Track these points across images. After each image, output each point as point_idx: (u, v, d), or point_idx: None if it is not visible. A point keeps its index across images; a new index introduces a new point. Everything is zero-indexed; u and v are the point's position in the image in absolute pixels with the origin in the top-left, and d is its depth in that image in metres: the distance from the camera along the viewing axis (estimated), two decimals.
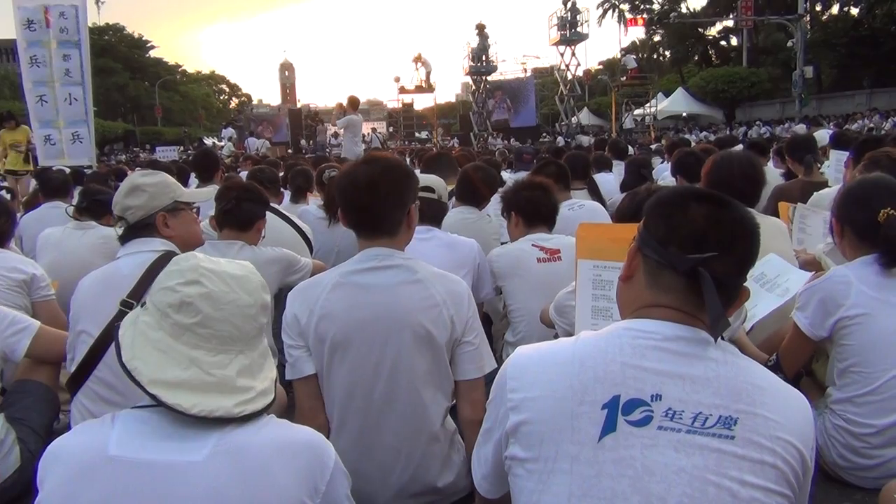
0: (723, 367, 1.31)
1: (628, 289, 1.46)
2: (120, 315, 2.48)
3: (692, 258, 1.31)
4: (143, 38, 67.79)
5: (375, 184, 2.18)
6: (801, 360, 2.74)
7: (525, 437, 1.33)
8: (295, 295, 2.26)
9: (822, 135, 8.52)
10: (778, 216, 3.93)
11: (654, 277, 1.39)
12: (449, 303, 2.22)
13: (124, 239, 2.72)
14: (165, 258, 2.49)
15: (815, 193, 4.48)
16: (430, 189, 3.49)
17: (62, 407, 2.87)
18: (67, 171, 6.84)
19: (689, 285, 1.33)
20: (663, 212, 1.40)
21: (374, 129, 33.00)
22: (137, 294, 2.49)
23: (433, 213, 3.45)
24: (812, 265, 3.47)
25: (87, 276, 2.69)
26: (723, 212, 1.36)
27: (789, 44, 33.22)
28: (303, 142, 27.56)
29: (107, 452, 1.32)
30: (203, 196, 3.08)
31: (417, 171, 8.00)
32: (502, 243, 4.14)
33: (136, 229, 2.71)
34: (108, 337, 2.49)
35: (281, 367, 3.17)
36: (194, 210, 2.92)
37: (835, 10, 39.80)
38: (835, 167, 5.54)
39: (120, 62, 59.25)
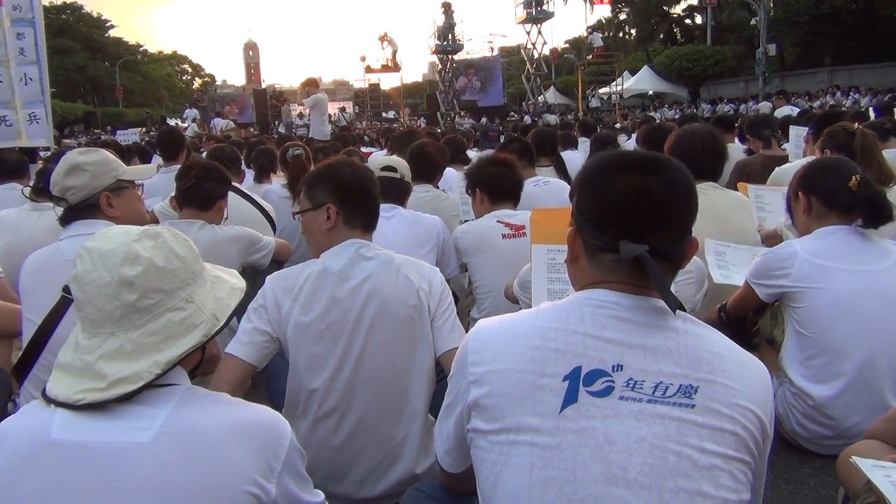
0: (683, 336, 1.31)
1: (575, 269, 1.45)
2: (62, 301, 2.42)
3: (630, 251, 1.28)
4: (102, 18, 66.39)
5: (377, 184, 2.42)
6: (744, 310, 2.92)
7: (487, 411, 1.32)
8: (276, 280, 2.26)
9: (783, 112, 8.63)
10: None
11: (595, 259, 1.37)
12: (424, 285, 2.30)
13: (65, 220, 2.64)
14: None
15: (776, 168, 4.54)
16: (392, 168, 3.53)
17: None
18: None
19: (631, 263, 1.31)
20: (592, 192, 1.38)
21: (342, 109, 32.66)
22: None
23: (396, 192, 3.47)
24: (774, 239, 3.51)
25: (28, 258, 2.61)
26: (651, 179, 1.32)
27: (753, 22, 33.50)
28: (278, 123, 27.12)
29: (49, 437, 1.28)
30: (144, 173, 2.98)
31: (385, 152, 7.97)
32: (462, 221, 4.14)
33: (78, 210, 2.62)
34: (51, 323, 2.43)
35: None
36: (138, 188, 2.84)
37: None
38: (794, 143, 5.63)
39: (78, 42, 57.88)
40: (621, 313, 1.32)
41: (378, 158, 3.64)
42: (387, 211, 3.20)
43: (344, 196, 2.30)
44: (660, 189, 1.31)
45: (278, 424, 1.41)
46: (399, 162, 3.66)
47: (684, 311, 1.36)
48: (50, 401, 1.31)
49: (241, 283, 1.57)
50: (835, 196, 2.63)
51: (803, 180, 2.75)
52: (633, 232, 1.30)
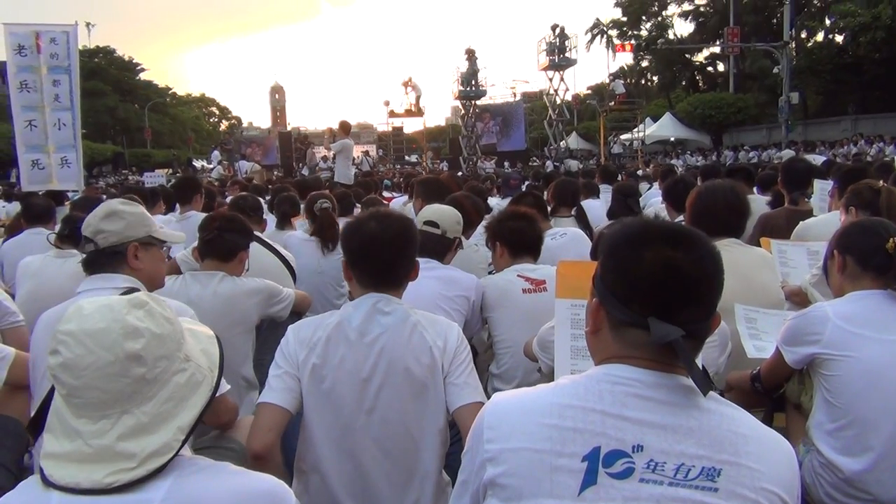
0: (706, 415, 1.28)
1: (596, 340, 1.42)
2: None
3: (663, 335, 1.24)
4: (134, 61, 67.86)
5: (395, 240, 2.35)
6: (778, 379, 2.80)
7: (503, 490, 1.29)
8: (296, 331, 2.30)
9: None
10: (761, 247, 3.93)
11: (620, 333, 1.34)
12: (439, 342, 2.28)
13: (88, 265, 2.64)
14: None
15: (800, 223, 4.49)
16: (433, 224, 3.44)
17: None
18: None
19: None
20: (617, 266, 1.35)
21: (366, 153, 33.05)
22: None
23: (433, 248, 3.38)
24: (798, 296, 3.46)
25: (41, 317, 2.60)
26: (679, 255, 1.28)
27: (775, 70, 33.54)
28: (302, 165, 27.54)
29: None
30: (176, 239, 2.98)
31: (406, 197, 7.96)
32: (489, 273, 4.11)
33: (104, 256, 2.63)
34: None
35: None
36: (165, 250, 2.86)
37: (819, 37, 40.19)
38: (819, 196, 5.57)
39: (110, 84, 59.15)
40: (642, 391, 1.29)
41: (427, 211, 3.56)
42: (421, 265, 3.17)
43: (351, 257, 2.37)
44: (689, 265, 1.28)
45: (283, 494, 1.40)
46: (444, 216, 3.50)
47: (715, 391, 1.32)
48: (66, 490, 1.28)
49: (209, 330, 1.58)
50: (870, 257, 2.56)
51: (841, 239, 2.69)
52: (661, 308, 1.27)
